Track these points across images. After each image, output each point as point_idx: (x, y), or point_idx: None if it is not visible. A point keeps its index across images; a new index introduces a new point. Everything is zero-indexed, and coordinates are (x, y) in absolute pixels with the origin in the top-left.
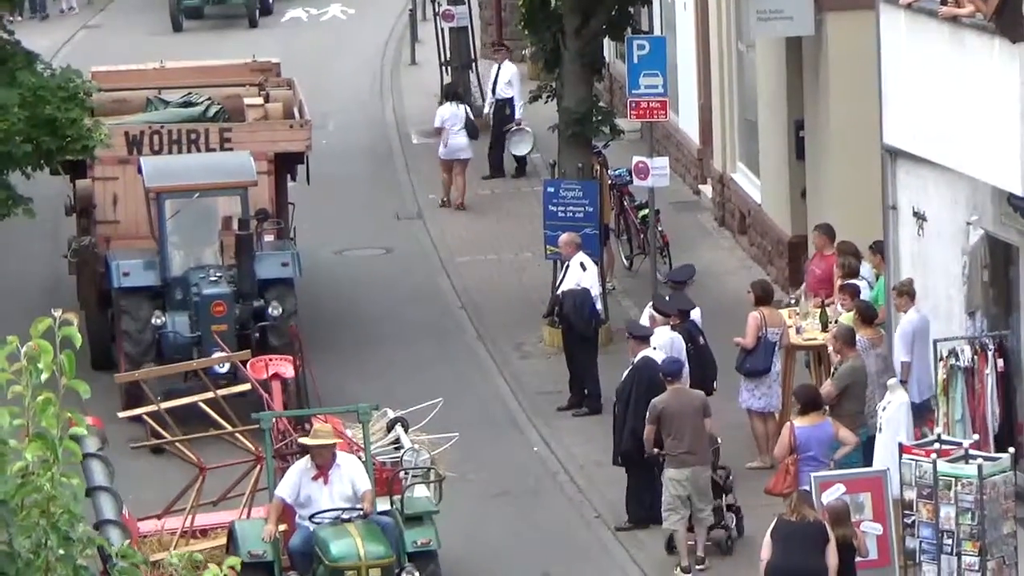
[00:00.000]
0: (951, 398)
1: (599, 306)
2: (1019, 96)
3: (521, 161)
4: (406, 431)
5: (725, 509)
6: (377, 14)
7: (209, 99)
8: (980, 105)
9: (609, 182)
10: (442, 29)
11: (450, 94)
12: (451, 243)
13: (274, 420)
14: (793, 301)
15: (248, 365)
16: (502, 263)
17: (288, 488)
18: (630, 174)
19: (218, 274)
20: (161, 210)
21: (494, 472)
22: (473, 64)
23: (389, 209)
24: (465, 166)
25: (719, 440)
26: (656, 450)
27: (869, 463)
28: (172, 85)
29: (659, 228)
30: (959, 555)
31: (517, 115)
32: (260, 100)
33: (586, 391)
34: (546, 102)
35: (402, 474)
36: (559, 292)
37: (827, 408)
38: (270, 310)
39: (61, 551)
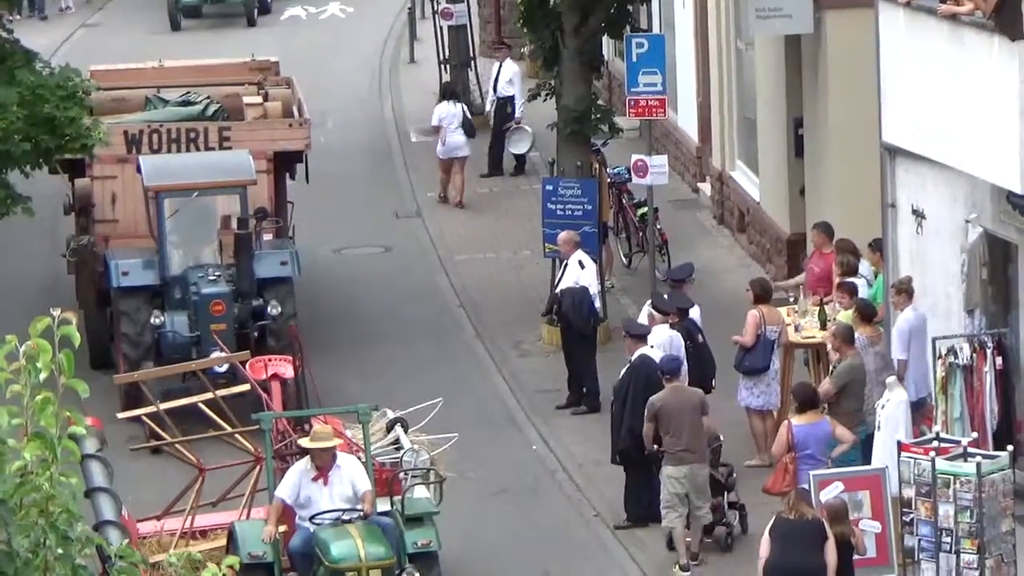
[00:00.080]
0: (950, 396)
1: (598, 304)
2: (1018, 94)
3: (520, 159)
4: (406, 431)
5: (727, 507)
6: (376, 12)
7: (208, 98)
8: (979, 103)
9: (608, 180)
10: (441, 27)
11: (447, 93)
12: (450, 241)
13: (274, 421)
14: (792, 299)
15: (247, 365)
16: (501, 261)
17: (288, 489)
18: (629, 172)
19: (217, 273)
20: (160, 209)
21: (493, 471)
22: (472, 62)
23: (388, 207)
24: (463, 164)
25: (721, 438)
26: (656, 447)
27: (868, 461)
28: (171, 84)
29: (658, 226)
30: (958, 553)
31: (517, 114)
32: (259, 99)
33: (585, 389)
34: (545, 100)
35: (402, 475)
36: (558, 290)
37: (826, 406)
38: (269, 309)
39: (60, 550)
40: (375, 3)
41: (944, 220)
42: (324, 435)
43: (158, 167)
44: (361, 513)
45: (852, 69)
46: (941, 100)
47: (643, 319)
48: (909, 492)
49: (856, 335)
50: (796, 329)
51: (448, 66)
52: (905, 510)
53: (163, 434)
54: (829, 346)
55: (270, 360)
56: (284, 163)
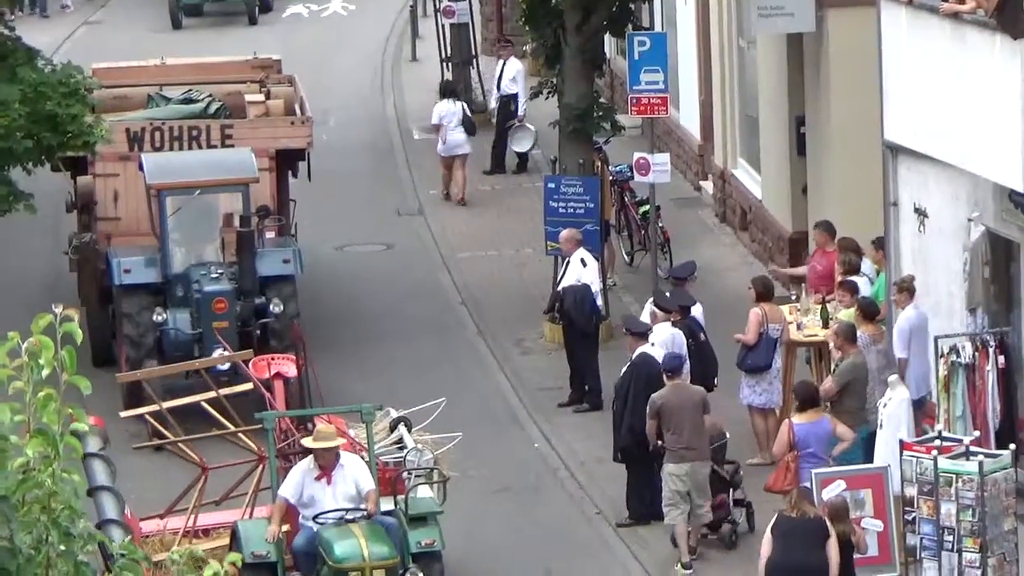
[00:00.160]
0: (952, 395)
1: (600, 302)
2: (1020, 92)
3: (522, 157)
4: (409, 431)
5: (732, 504)
6: (378, 10)
7: (210, 96)
8: (981, 101)
9: (610, 178)
10: (443, 25)
11: (447, 91)
12: (452, 239)
13: (276, 420)
14: (794, 297)
15: (251, 364)
16: (503, 259)
17: (291, 488)
18: (631, 170)
19: (219, 271)
20: (162, 207)
21: (495, 469)
22: (474, 60)
23: (390, 205)
24: (464, 161)
25: (727, 435)
26: (660, 442)
27: (870, 459)
28: (173, 82)
29: (660, 224)
30: (960, 552)
31: (520, 112)
32: (261, 97)
33: (587, 387)
34: (547, 98)
35: (405, 474)
36: (560, 288)
37: (828, 404)
38: (271, 307)
39: (62, 547)
40: (377, 1)
41: (946, 218)
42: (327, 435)
43: (160, 165)
44: (365, 513)
45: (854, 67)
46: (943, 98)
47: (645, 317)
48: (911, 491)
49: (858, 333)
50: (798, 327)
51: (450, 64)
52: (907, 509)
53: (166, 433)
54: (831, 344)
55: (273, 359)
56: (286, 161)
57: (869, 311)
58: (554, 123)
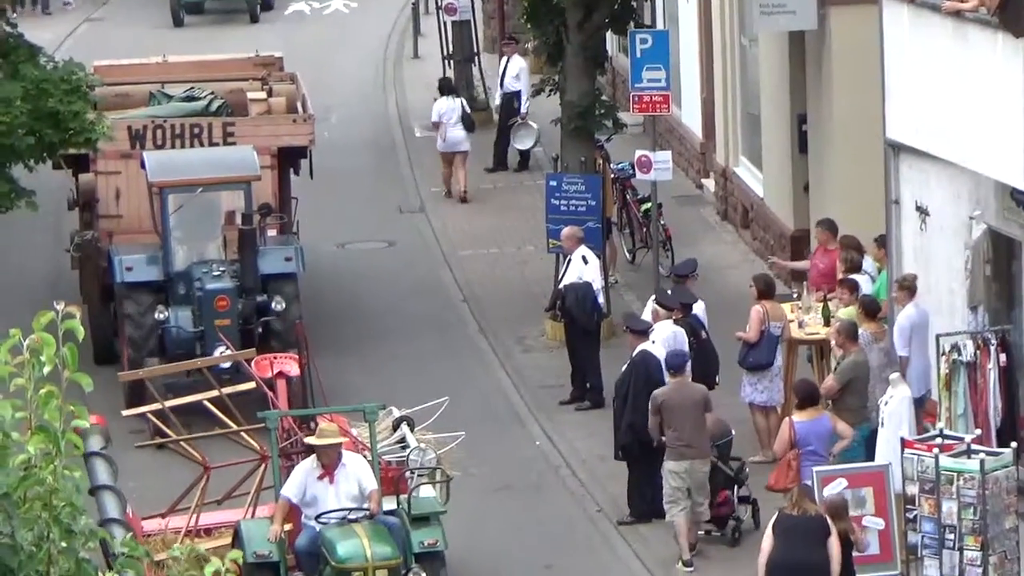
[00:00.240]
0: (953, 393)
1: (601, 300)
2: (1022, 91)
3: (524, 155)
4: (412, 430)
5: (737, 501)
6: (380, 7)
7: (212, 93)
8: (983, 100)
9: (612, 176)
10: (445, 23)
11: (446, 88)
12: (453, 236)
13: (279, 419)
14: (795, 295)
15: (253, 363)
16: (504, 257)
17: (294, 488)
18: (633, 168)
19: (221, 269)
20: (164, 205)
21: (496, 466)
22: (476, 58)
23: (392, 202)
24: (465, 158)
25: (732, 432)
26: (663, 436)
27: (871, 457)
28: (175, 79)
29: (661, 222)
30: (961, 550)
31: (523, 109)
32: (263, 94)
33: (588, 385)
34: (549, 96)
35: (408, 474)
36: (561, 286)
37: (829, 402)
38: (273, 305)
39: (63, 544)
40: None
41: (948, 217)
42: (330, 432)
43: (162, 163)
44: (367, 512)
45: (856, 65)
46: (945, 97)
47: (647, 315)
48: (913, 489)
49: (860, 331)
50: (800, 325)
51: (452, 62)
52: (908, 507)
53: (168, 431)
54: (833, 342)
55: (275, 358)
56: (288, 159)
57: (870, 309)
58: (556, 121)
